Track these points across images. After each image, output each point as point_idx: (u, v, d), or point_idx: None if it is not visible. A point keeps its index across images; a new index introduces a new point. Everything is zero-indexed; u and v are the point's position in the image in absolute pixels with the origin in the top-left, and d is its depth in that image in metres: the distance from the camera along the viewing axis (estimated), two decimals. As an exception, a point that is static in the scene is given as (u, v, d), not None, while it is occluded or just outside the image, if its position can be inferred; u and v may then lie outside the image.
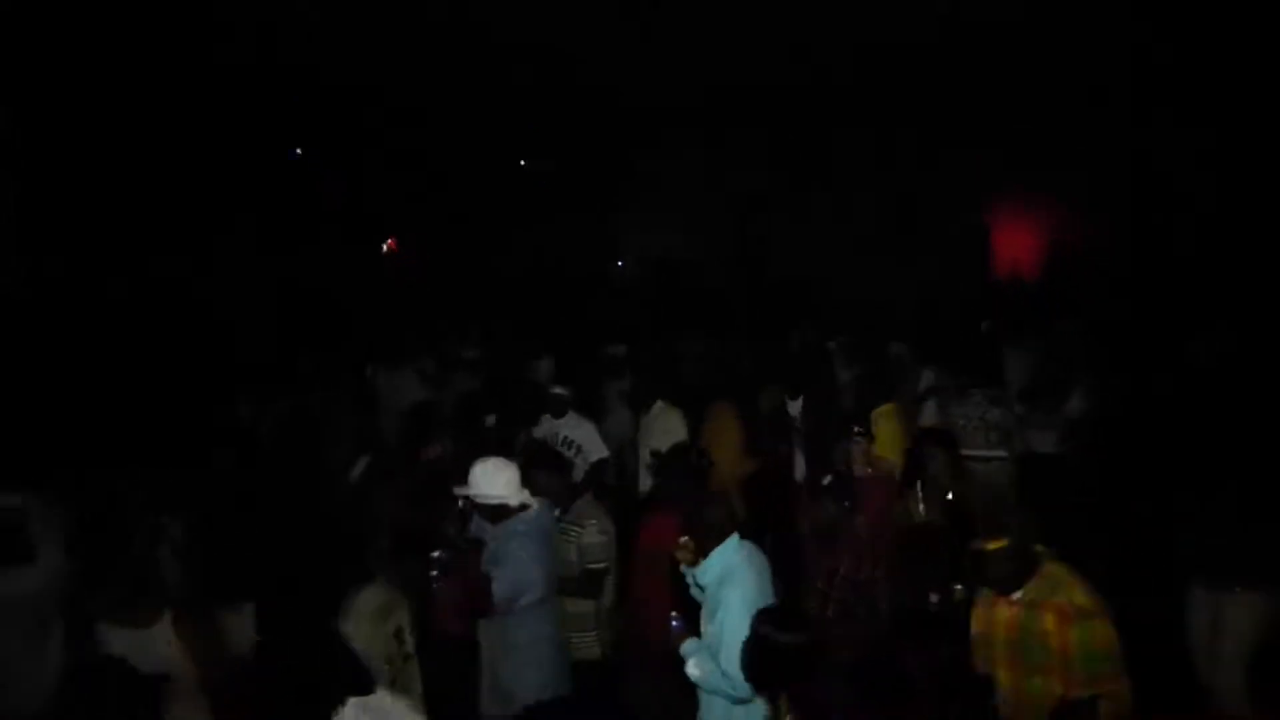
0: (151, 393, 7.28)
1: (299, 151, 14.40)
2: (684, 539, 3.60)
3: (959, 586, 3.78)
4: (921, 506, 4.39)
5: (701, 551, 3.52)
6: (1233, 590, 4.17)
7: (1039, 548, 3.21)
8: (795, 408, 6.56)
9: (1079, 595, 3.07)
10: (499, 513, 3.91)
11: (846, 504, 4.22)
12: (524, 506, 3.94)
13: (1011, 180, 13.03)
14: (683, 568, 3.68)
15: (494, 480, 3.88)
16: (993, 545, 3.13)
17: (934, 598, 3.82)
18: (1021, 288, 13.46)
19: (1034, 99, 12.10)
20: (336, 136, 13.92)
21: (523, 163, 16.42)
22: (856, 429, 5.02)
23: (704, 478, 4.59)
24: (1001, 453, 6.11)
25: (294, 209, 13.49)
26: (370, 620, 3.39)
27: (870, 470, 4.92)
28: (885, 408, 5.88)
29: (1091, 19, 11.01)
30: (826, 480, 4.36)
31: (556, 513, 4.34)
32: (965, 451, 6.09)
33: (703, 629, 3.50)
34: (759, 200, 14.50)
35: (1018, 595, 3.17)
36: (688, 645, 3.46)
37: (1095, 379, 7.03)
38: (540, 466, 4.41)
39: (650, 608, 4.06)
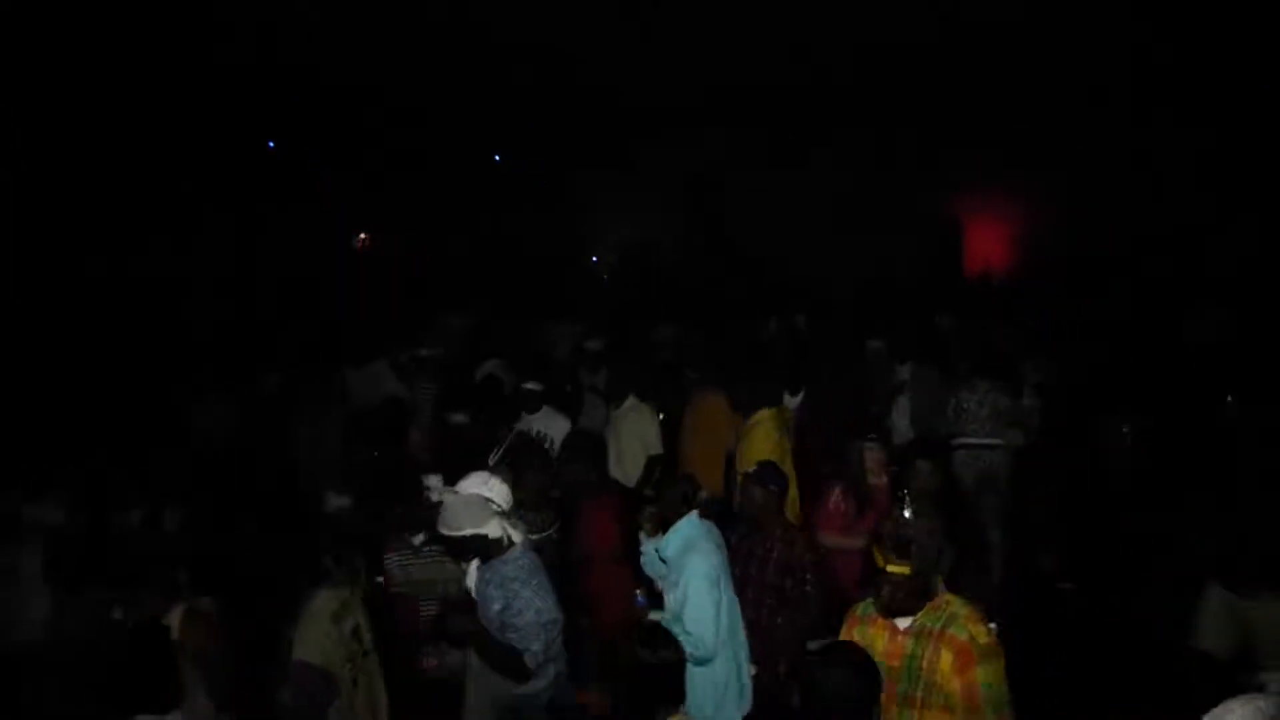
0: (133, 386, 7.28)
1: (272, 144, 14.33)
2: (650, 510, 3.81)
3: None
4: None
5: (663, 525, 3.72)
6: (1263, 595, 4.07)
7: (938, 577, 2.97)
8: (793, 403, 6.47)
9: (981, 632, 2.84)
10: (477, 547, 3.49)
11: (774, 488, 4.15)
12: (502, 543, 3.49)
13: (1010, 178, 13.04)
14: (643, 538, 3.88)
15: (471, 515, 3.43)
16: (895, 569, 2.86)
17: None
18: (994, 283, 13.52)
19: (1034, 99, 12.11)
20: (335, 136, 13.95)
21: (497, 158, 16.39)
22: (871, 435, 4.86)
23: (598, 461, 4.82)
24: (998, 440, 6.14)
25: (280, 203, 13.53)
26: (329, 621, 3.42)
27: (884, 479, 4.76)
28: (763, 412, 5.70)
29: (1091, 19, 11.01)
30: (754, 467, 4.32)
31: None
32: (967, 440, 6.17)
33: (666, 599, 3.66)
34: (745, 193, 14.46)
35: (906, 624, 2.93)
36: (650, 617, 3.65)
37: (1045, 372, 7.09)
38: (528, 464, 4.40)
39: (606, 593, 4.22)
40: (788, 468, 5.12)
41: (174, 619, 3.38)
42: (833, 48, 11.72)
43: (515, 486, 4.54)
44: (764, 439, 5.49)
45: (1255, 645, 4.07)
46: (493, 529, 3.45)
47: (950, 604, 2.91)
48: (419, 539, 4.10)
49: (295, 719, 3.33)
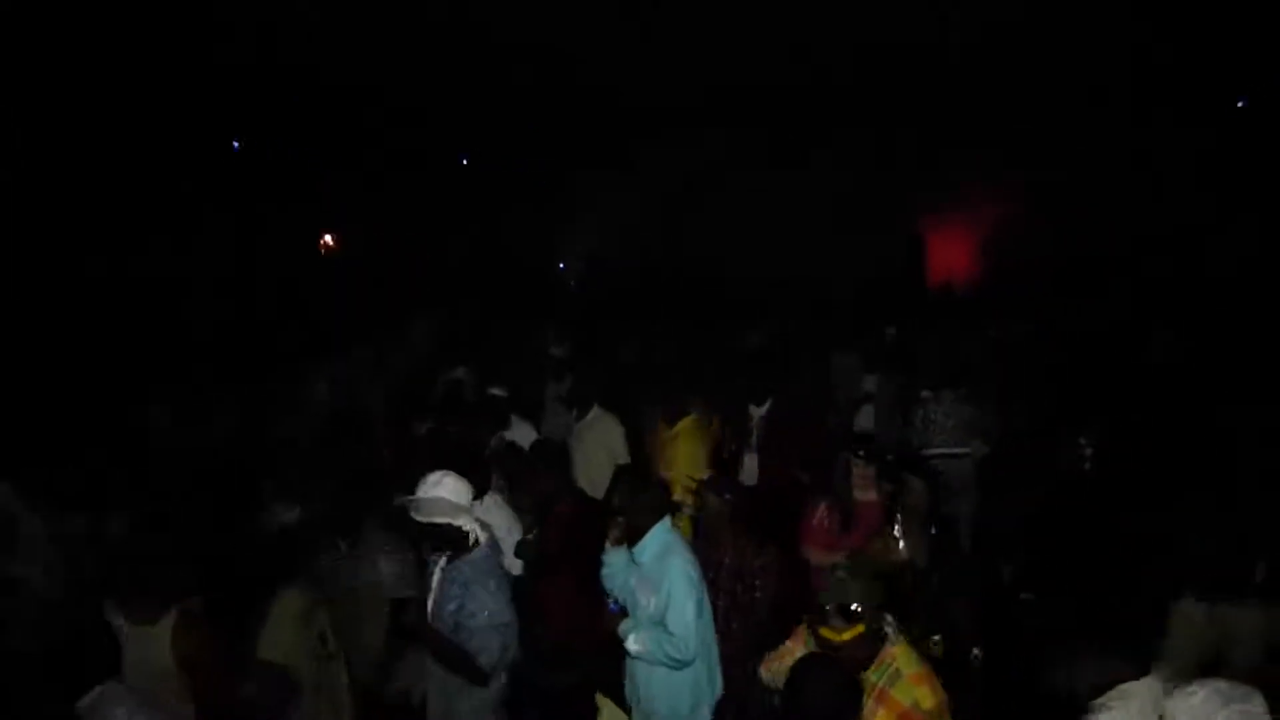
0: (127, 388, 7.27)
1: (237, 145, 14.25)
2: (619, 519, 3.76)
3: (936, 638, 3.60)
4: (901, 544, 4.04)
5: (635, 532, 3.68)
6: (1237, 603, 4.06)
7: (887, 619, 2.88)
8: (759, 414, 6.37)
9: (925, 695, 2.73)
10: (448, 535, 3.57)
11: (727, 496, 4.16)
12: (469, 538, 3.57)
13: (1010, 178, 13.03)
14: (607, 548, 3.81)
15: (443, 508, 3.52)
16: (848, 635, 2.74)
17: None
18: (957, 293, 13.51)
19: (1034, 99, 12.11)
20: (335, 136, 13.95)
21: (465, 161, 16.35)
22: (858, 451, 4.74)
23: (563, 470, 4.85)
24: (965, 449, 6.20)
25: (280, 203, 13.53)
26: (294, 623, 3.47)
27: (872, 495, 4.66)
28: (685, 422, 5.69)
29: (1091, 19, 11.01)
30: (707, 476, 4.33)
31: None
32: (934, 450, 6.20)
33: (641, 604, 3.62)
34: (745, 193, 14.41)
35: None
36: (625, 625, 3.65)
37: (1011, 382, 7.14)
38: (532, 471, 4.45)
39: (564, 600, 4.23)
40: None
41: (167, 625, 3.35)
42: (833, 48, 11.72)
43: (524, 492, 4.61)
44: (686, 449, 5.54)
45: (1226, 652, 4.09)
46: (465, 522, 3.54)
47: (896, 659, 2.82)
48: (344, 544, 4.11)
49: (256, 717, 3.36)
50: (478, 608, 3.43)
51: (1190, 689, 2.25)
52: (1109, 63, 11.68)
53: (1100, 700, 2.59)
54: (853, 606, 2.74)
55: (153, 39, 10.81)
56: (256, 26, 11.13)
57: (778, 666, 3.03)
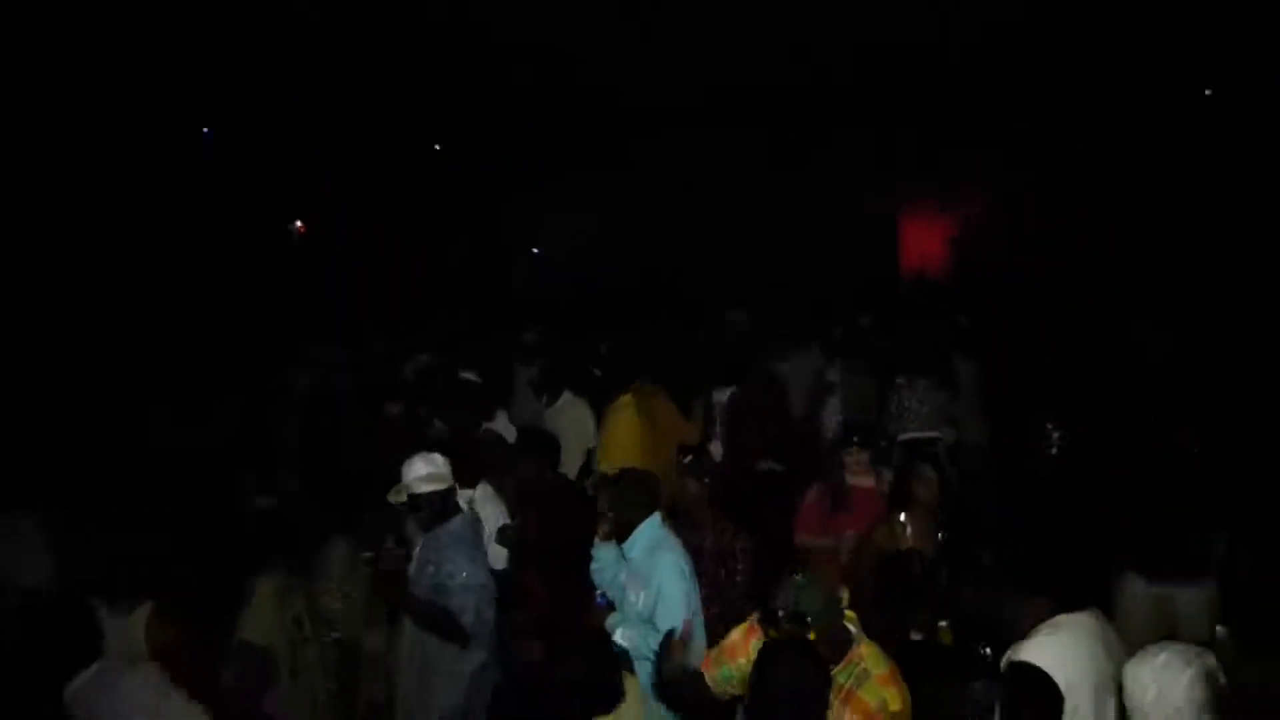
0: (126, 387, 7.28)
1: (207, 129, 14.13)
2: (608, 515, 3.74)
3: (943, 624, 3.54)
4: (908, 531, 4.00)
5: (625, 527, 3.65)
6: (1184, 583, 4.14)
7: (849, 615, 2.80)
8: (721, 397, 6.39)
9: (893, 696, 2.67)
10: (432, 508, 3.67)
11: (706, 480, 4.18)
12: (451, 497, 3.74)
13: (1010, 178, 13.04)
14: (596, 543, 3.79)
15: (429, 478, 3.66)
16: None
17: (916, 636, 3.50)
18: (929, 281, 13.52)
19: (1034, 99, 12.12)
20: (333, 135, 13.95)
21: (437, 146, 16.35)
22: (854, 438, 4.72)
23: (551, 458, 4.79)
24: (935, 434, 6.25)
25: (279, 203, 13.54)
26: (271, 606, 3.52)
27: (866, 483, 4.65)
28: (624, 398, 5.63)
29: (1091, 19, 11.02)
30: (687, 459, 4.33)
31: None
32: (910, 435, 6.27)
33: (630, 599, 3.60)
34: (745, 193, 14.39)
35: None
36: (612, 618, 3.65)
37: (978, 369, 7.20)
38: (503, 460, 4.57)
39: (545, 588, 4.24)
40: (648, 455, 5.13)
41: (141, 615, 3.33)
42: (833, 48, 11.73)
43: (505, 479, 4.63)
44: (626, 425, 5.48)
45: (1175, 633, 4.11)
46: (447, 491, 3.69)
47: (864, 659, 2.74)
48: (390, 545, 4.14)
49: (234, 699, 3.37)
50: (455, 569, 3.55)
51: (1152, 650, 2.33)
52: (1109, 63, 11.68)
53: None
54: (805, 617, 2.64)
55: (153, 39, 10.82)
56: (256, 26, 11.14)
57: (717, 672, 2.95)
